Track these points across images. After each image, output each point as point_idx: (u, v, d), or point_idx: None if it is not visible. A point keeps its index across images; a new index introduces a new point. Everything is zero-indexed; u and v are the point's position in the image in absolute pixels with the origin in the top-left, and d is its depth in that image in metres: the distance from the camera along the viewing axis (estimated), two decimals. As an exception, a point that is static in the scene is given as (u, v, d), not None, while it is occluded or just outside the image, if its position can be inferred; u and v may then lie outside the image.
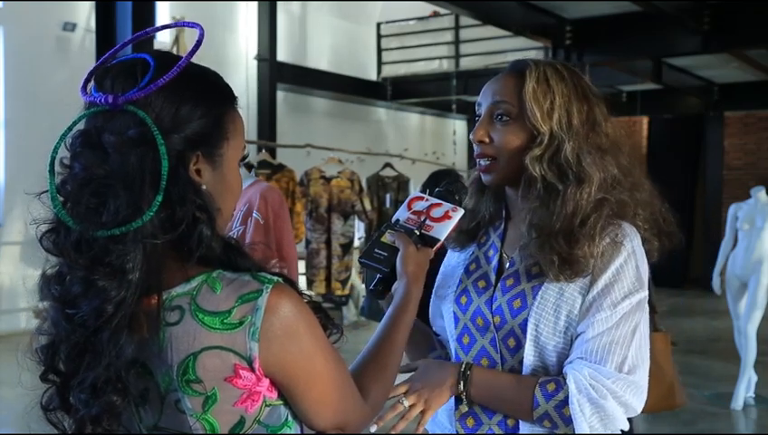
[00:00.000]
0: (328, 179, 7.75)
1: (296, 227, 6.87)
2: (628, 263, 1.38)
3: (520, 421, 1.41)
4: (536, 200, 1.41)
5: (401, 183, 9.13)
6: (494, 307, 1.45)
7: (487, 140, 1.44)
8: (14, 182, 8.01)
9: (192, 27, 1.14)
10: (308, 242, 7.80)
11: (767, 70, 9.95)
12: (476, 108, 1.49)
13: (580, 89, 1.44)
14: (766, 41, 8.11)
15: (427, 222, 1.37)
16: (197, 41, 1.10)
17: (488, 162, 1.45)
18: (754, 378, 5.83)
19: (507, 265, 1.48)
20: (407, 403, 1.40)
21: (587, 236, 1.37)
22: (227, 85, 1.14)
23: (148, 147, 1.01)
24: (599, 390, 1.33)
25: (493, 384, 1.41)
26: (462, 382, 1.41)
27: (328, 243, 7.77)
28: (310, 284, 7.84)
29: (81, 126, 1.06)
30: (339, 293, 7.98)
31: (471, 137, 1.46)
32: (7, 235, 8.02)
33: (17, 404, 4.90)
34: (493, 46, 11.05)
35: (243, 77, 9.95)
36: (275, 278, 1.05)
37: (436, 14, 12.10)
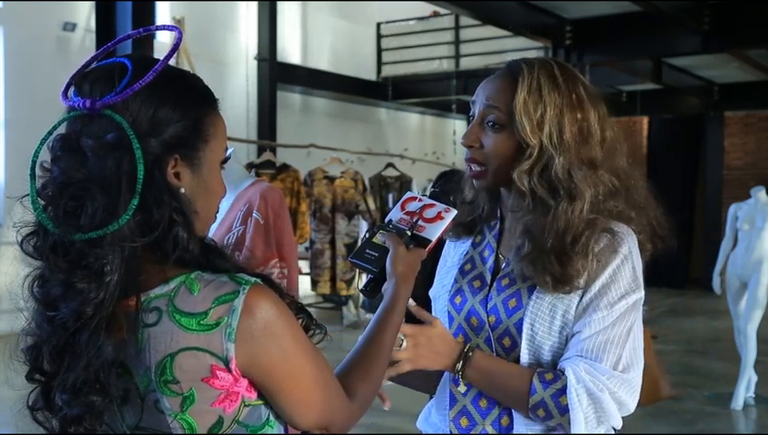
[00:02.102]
0: (331, 179, 7.75)
1: (301, 227, 6.87)
2: (625, 264, 1.38)
3: (514, 422, 1.42)
4: (528, 213, 1.40)
5: (404, 183, 9.14)
6: (489, 307, 1.45)
7: (477, 145, 1.43)
8: (14, 182, 8.02)
9: (171, 30, 1.15)
10: (312, 242, 7.80)
11: (767, 70, 9.95)
12: (471, 106, 1.47)
13: (574, 96, 1.40)
14: (766, 41, 8.10)
15: (420, 223, 1.36)
16: (175, 44, 1.11)
17: (478, 168, 1.44)
18: (754, 378, 5.83)
19: (503, 265, 1.48)
20: (404, 344, 1.38)
21: (580, 253, 1.36)
22: (207, 88, 1.14)
23: (124, 151, 1.02)
24: (596, 383, 1.34)
25: (491, 369, 1.41)
26: (461, 362, 1.41)
27: (332, 243, 7.77)
28: (314, 284, 7.84)
29: (62, 130, 1.07)
30: (344, 293, 7.97)
31: (462, 140, 1.44)
32: (7, 235, 8.01)
33: (18, 404, 4.90)
34: (493, 46, 11.06)
35: (243, 77, 9.95)
36: (253, 279, 1.06)
37: (436, 14, 12.11)
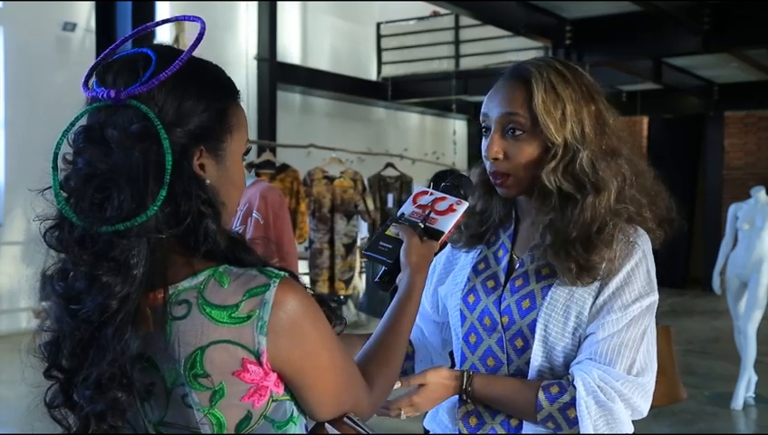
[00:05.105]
0: (331, 179, 7.74)
1: (300, 227, 6.87)
2: (640, 266, 1.38)
3: (523, 421, 1.42)
4: (552, 211, 1.40)
5: (404, 183, 9.13)
6: (502, 307, 1.45)
7: (502, 156, 1.42)
8: (14, 182, 8.00)
9: (193, 21, 1.13)
10: (311, 242, 7.79)
11: (767, 70, 9.95)
12: (482, 118, 1.46)
13: (585, 89, 1.41)
14: (766, 41, 8.11)
15: (432, 215, 1.37)
16: (199, 34, 1.09)
17: (505, 179, 1.43)
18: (754, 378, 5.83)
19: (517, 265, 1.48)
20: (404, 416, 1.42)
21: (605, 241, 1.36)
22: (229, 79, 1.14)
23: (151, 141, 1.01)
24: (607, 392, 1.33)
25: (495, 392, 1.42)
26: (464, 395, 1.43)
27: (331, 243, 7.77)
28: (313, 284, 7.83)
29: (83, 122, 1.05)
30: (342, 293, 7.96)
31: (484, 154, 1.44)
32: (7, 234, 8.01)
33: (19, 404, 4.90)
34: (493, 46, 11.07)
35: (243, 77, 9.95)
36: (282, 273, 1.06)
37: (436, 14, 12.11)
